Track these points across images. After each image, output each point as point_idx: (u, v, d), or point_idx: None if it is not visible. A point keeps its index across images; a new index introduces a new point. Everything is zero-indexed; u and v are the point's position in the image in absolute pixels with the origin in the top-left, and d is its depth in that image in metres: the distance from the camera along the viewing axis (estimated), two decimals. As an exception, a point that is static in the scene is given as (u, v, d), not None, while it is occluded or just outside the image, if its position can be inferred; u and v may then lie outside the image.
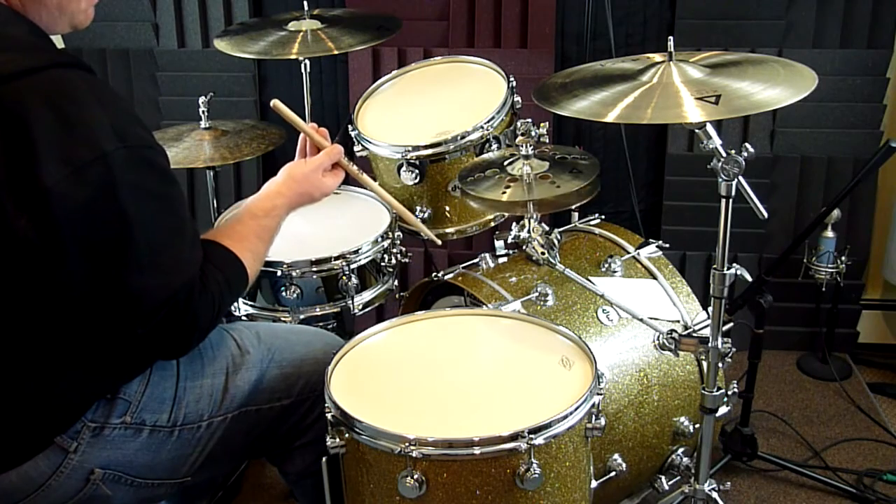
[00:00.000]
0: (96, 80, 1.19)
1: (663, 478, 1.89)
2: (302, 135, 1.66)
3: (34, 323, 1.23)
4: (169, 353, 1.35)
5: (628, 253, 2.00)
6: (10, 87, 1.11)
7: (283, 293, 1.85)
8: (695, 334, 1.78)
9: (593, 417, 1.40)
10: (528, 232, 1.79)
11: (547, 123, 1.94)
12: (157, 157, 1.22)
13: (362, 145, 2.06)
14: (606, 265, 1.95)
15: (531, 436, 1.29)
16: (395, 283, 2.04)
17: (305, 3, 2.29)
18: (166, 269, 1.21)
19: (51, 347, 1.25)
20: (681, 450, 1.90)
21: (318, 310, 1.91)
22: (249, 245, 1.41)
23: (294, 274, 1.85)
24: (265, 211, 1.49)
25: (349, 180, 2.30)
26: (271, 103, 1.61)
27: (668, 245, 2.04)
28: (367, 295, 1.95)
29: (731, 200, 1.46)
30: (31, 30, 1.23)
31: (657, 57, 1.56)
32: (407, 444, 1.29)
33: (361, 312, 1.94)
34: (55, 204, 1.11)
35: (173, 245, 1.23)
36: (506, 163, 1.82)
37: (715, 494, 1.70)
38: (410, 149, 1.97)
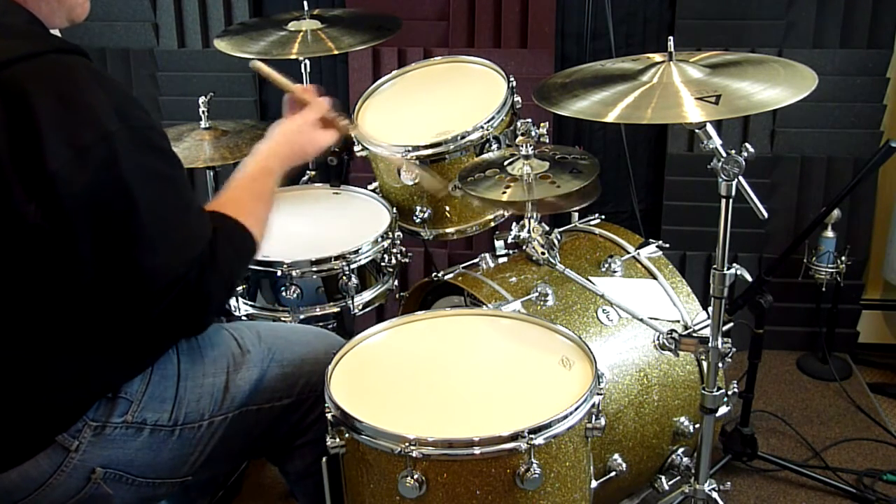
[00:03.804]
0: (95, 66, 1.20)
1: (663, 478, 1.90)
2: (287, 94, 1.65)
3: (39, 317, 1.23)
4: (186, 332, 1.35)
5: (628, 253, 2.00)
6: (11, 71, 1.12)
7: (283, 293, 1.85)
8: (695, 334, 1.78)
9: (593, 417, 1.40)
10: (528, 232, 1.79)
11: (547, 123, 1.94)
12: (158, 137, 1.23)
13: (362, 145, 2.06)
14: (606, 265, 1.95)
15: (531, 436, 1.29)
16: (395, 283, 2.04)
17: (305, 3, 2.29)
18: (176, 246, 1.21)
19: (54, 344, 1.25)
20: (681, 450, 1.90)
21: (318, 310, 1.91)
22: (251, 209, 1.40)
23: (294, 274, 1.85)
24: (261, 172, 1.49)
25: (349, 181, 2.31)
26: (250, 64, 1.62)
27: (668, 245, 2.04)
28: (367, 295, 1.95)
29: (731, 200, 1.46)
30: (30, 19, 1.24)
31: (657, 57, 1.56)
32: (407, 444, 1.29)
33: (361, 312, 1.94)
34: (62, 187, 1.11)
35: (181, 223, 1.23)
36: (506, 163, 1.82)
37: (715, 494, 1.70)
38: (410, 149, 1.97)
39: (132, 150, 1.16)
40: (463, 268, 1.99)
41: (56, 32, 1.31)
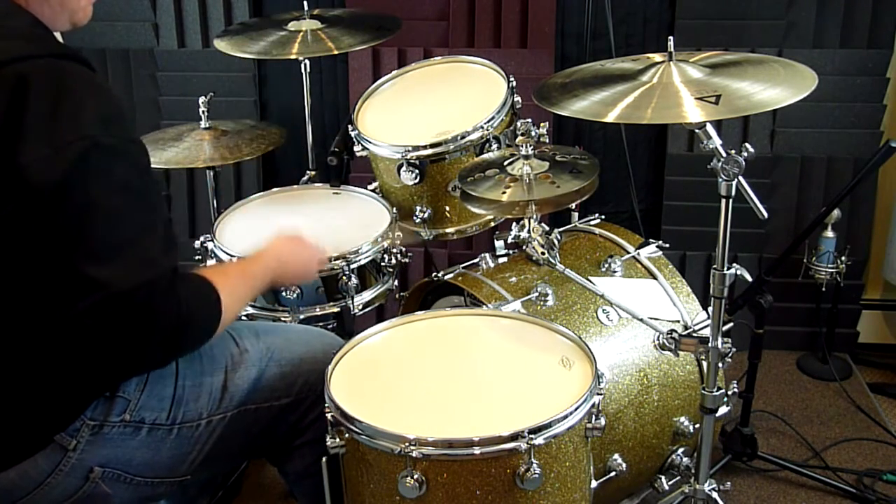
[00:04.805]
0: (92, 74, 1.21)
1: (663, 478, 1.89)
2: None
3: (33, 315, 1.22)
4: (130, 358, 1.22)
5: (628, 253, 2.00)
6: (8, 70, 1.13)
7: (283, 293, 1.85)
8: (695, 334, 1.78)
9: (593, 417, 1.40)
10: (528, 232, 1.79)
11: (547, 123, 1.94)
12: (138, 152, 1.23)
13: (362, 145, 2.06)
14: (606, 265, 1.95)
15: (531, 436, 1.29)
16: (395, 283, 2.04)
17: (305, 3, 2.29)
18: (128, 263, 1.15)
19: (50, 344, 1.25)
20: (681, 450, 1.90)
21: (318, 310, 1.91)
22: (231, 285, 1.35)
23: (294, 274, 1.85)
24: (248, 262, 1.53)
25: (349, 181, 2.31)
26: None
27: (668, 245, 2.04)
28: (367, 295, 1.95)
29: (731, 200, 1.46)
30: (33, 23, 1.25)
31: (657, 57, 1.56)
32: (407, 444, 1.29)
33: (361, 312, 1.94)
34: (34, 179, 1.12)
35: (139, 242, 1.18)
36: (506, 163, 1.82)
37: (715, 494, 1.70)
38: (410, 149, 1.97)
39: (106, 158, 1.16)
40: (463, 268, 1.99)
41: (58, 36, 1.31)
